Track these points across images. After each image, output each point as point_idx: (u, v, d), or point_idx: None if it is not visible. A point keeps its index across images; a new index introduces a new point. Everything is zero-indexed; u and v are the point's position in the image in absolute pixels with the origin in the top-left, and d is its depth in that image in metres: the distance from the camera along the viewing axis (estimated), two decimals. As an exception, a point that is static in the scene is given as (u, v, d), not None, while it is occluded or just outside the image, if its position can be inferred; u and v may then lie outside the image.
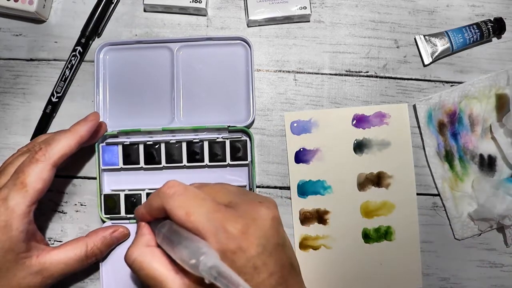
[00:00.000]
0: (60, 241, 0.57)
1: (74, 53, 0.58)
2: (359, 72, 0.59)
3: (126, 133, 0.57)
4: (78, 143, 0.49)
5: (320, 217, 0.57)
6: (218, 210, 0.38)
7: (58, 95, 0.58)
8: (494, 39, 0.60)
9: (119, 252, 0.56)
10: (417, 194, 0.58)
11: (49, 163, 0.46)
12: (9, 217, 0.44)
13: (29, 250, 0.46)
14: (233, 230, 0.36)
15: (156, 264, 0.39)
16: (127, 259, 0.40)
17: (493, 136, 0.58)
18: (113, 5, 0.59)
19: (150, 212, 0.42)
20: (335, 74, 0.59)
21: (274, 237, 0.38)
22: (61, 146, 0.48)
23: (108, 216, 0.56)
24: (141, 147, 0.56)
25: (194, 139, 0.56)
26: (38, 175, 0.46)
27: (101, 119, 0.57)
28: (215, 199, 0.39)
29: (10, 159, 0.50)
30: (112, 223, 0.56)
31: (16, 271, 0.46)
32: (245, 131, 0.56)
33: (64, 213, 0.58)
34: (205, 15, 0.60)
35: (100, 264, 0.55)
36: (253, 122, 0.58)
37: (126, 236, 0.55)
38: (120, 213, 0.56)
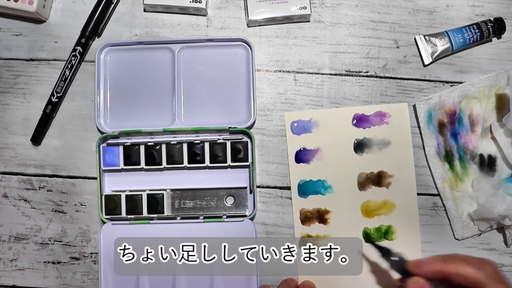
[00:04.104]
0: (60, 241, 0.57)
1: (74, 53, 0.58)
2: (359, 72, 0.59)
3: (127, 134, 0.57)
4: None
5: (320, 216, 0.57)
6: None
7: (58, 95, 0.57)
8: (494, 39, 0.60)
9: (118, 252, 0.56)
10: (417, 194, 0.58)
11: None
12: None
13: None
14: None
15: None
16: None
17: (493, 136, 0.58)
18: (113, 5, 0.59)
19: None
20: (335, 74, 0.59)
21: None
22: None
23: (108, 216, 0.56)
24: (142, 148, 0.56)
25: (195, 140, 0.56)
26: None
27: (101, 120, 0.57)
28: None
29: None
30: (113, 223, 0.56)
31: None
32: (246, 132, 0.56)
33: (64, 213, 0.58)
34: (205, 15, 0.60)
35: (100, 264, 0.55)
36: (254, 123, 0.58)
37: None
38: (121, 214, 0.56)
